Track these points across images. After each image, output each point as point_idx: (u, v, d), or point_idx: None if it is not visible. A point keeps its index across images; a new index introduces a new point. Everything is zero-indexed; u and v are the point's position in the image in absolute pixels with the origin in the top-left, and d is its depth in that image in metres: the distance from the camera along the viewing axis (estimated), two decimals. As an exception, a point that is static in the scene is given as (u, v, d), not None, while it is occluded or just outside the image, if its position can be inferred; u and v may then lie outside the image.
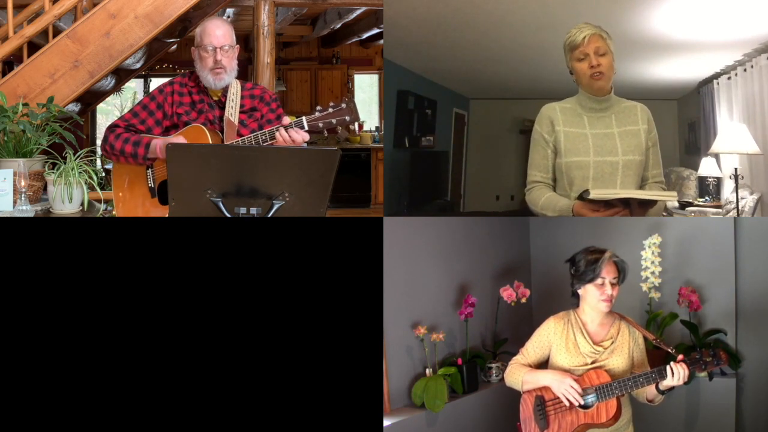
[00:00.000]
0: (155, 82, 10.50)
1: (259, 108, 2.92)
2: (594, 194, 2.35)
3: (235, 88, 2.90)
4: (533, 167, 2.59)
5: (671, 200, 2.37)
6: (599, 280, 2.38)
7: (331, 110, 2.64)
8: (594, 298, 2.40)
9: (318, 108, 2.67)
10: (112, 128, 2.89)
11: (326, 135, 2.69)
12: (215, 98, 2.89)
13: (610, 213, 2.35)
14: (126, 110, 10.23)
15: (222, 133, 2.84)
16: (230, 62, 2.85)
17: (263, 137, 2.68)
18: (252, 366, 2.00)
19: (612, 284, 2.38)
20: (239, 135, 2.83)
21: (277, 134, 2.65)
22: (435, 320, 3.03)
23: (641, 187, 2.57)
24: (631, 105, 2.57)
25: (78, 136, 3.72)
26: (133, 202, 2.89)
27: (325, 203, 2.22)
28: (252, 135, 2.74)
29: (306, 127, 2.66)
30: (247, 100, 2.91)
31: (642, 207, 2.40)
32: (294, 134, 2.64)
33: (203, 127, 2.79)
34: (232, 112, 2.85)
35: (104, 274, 1.97)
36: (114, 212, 3.58)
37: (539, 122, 2.58)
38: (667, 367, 2.24)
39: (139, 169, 2.90)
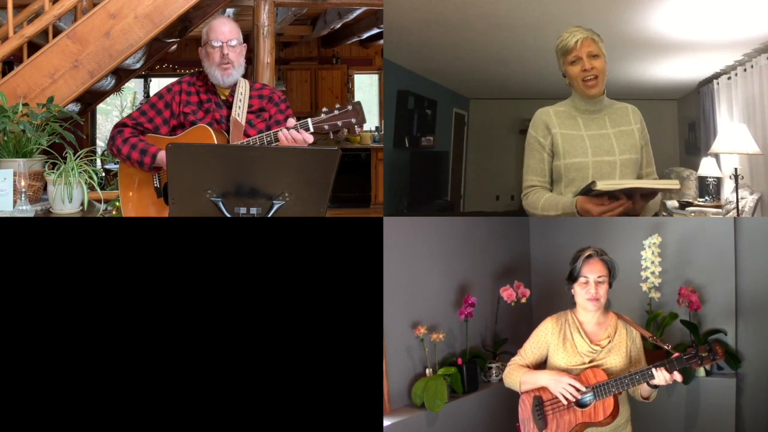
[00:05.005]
0: (155, 82, 10.50)
1: (267, 108, 2.89)
2: (601, 185, 2.33)
3: (244, 88, 2.87)
4: (529, 172, 2.59)
5: (674, 188, 2.43)
6: (582, 279, 2.41)
7: (336, 112, 2.60)
8: (581, 297, 2.43)
9: (324, 110, 2.64)
10: (119, 128, 2.85)
11: (332, 136, 2.67)
12: (223, 98, 2.87)
13: (615, 206, 2.32)
14: (127, 109, 10.26)
15: (228, 133, 2.81)
16: (238, 58, 2.82)
17: (268, 138, 2.65)
18: (252, 366, 2.00)
19: (598, 283, 2.39)
20: (246, 135, 2.80)
21: (280, 135, 2.61)
22: (435, 320, 3.03)
23: None
24: (623, 106, 2.61)
25: (78, 136, 3.72)
26: (141, 202, 2.86)
27: (325, 203, 2.22)
28: (257, 136, 2.71)
29: (311, 129, 2.62)
30: (256, 100, 2.88)
31: (644, 198, 2.40)
32: (297, 135, 2.59)
33: (208, 127, 2.76)
34: (240, 112, 2.82)
35: (104, 274, 1.97)
36: (113, 212, 3.57)
37: (534, 126, 2.58)
38: (653, 369, 2.26)
39: None
